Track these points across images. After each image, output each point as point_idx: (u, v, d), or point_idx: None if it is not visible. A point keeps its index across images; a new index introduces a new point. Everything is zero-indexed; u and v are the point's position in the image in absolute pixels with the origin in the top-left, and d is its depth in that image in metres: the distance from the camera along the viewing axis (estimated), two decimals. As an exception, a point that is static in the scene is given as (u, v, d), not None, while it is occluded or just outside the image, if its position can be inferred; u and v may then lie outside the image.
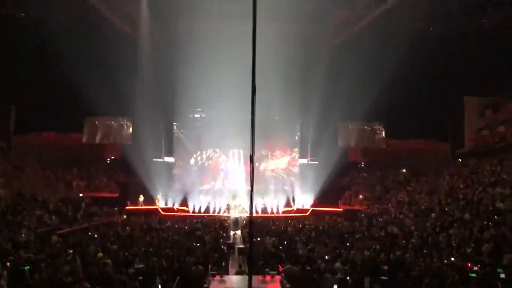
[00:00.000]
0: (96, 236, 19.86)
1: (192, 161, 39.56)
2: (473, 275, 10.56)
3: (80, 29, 31.74)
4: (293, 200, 36.27)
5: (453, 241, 16.36)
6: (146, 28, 35.06)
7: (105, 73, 30.12)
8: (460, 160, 34.58)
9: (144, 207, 34.02)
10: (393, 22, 33.97)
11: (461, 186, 25.41)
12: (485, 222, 17.33)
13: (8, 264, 11.18)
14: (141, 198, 34.19)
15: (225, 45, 32.71)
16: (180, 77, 34.26)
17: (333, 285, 10.04)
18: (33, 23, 31.33)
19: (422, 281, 10.33)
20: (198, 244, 17.89)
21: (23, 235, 17.89)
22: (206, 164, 39.60)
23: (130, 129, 38.80)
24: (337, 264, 12.83)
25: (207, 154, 39.60)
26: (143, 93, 34.53)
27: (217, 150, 39.40)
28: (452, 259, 13.76)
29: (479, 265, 12.17)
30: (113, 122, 38.94)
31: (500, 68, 30.72)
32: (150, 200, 35.00)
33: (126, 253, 14.43)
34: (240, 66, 32.37)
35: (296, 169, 39.66)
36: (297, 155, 39.84)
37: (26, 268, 10.98)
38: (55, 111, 33.85)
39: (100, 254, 13.44)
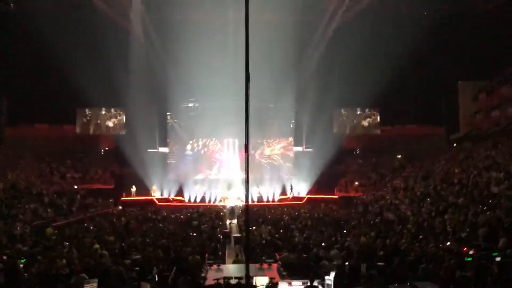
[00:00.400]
0: (92, 227, 19.82)
1: (186, 151, 39.44)
2: (469, 259, 10.59)
3: (71, 19, 31.48)
4: (291, 188, 36.22)
5: (448, 226, 16.42)
6: (138, 17, 34.74)
7: (97, 64, 29.89)
8: (455, 144, 34.71)
9: (138, 197, 33.96)
10: (386, 7, 33.90)
11: (456, 171, 25.49)
12: (480, 206, 17.40)
13: (4, 257, 11.11)
14: (133, 189, 34.14)
15: (218, 34, 32.53)
16: (173, 67, 34.07)
17: (329, 272, 10.06)
18: (24, 15, 30.99)
19: (418, 266, 10.36)
20: (195, 234, 17.89)
21: (18, 228, 17.81)
22: (201, 153, 39.50)
23: (124, 120, 38.57)
24: (334, 251, 12.86)
25: (202, 144, 39.48)
26: (136, 83, 34.27)
27: (212, 139, 39.28)
28: (448, 243, 13.82)
29: (474, 249, 12.22)
30: (106, 113, 38.68)
31: (494, 52, 30.74)
32: (145, 190, 34.94)
33: (123, 244, 14.40)
34: (234, 54, 32.48)
35: (291, 157, 39.65)
36: (292, 143, 39.80)
37: (22, 261, 10.93)
38: (47, 102, 33.66)
39: (97, 246, 13.41)
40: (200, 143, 39.37)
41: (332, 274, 9.64)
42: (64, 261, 10.94)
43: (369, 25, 32.19)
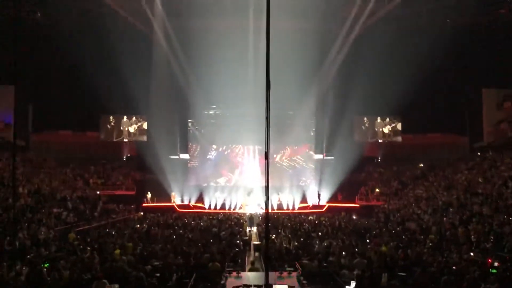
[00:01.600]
0: (113, 233, 20.03)
1: (207, 158, 39.65)
2: (494, 271, 10.36)
3: (95, 28, 32.11)
4: (319, 196, 36.03)
5: (472, 236, 16.11)
6: (161, 25, 35.25)
7: (120, 71, 30.35)
8: (478, 153, 34.08)
9: (159, 203, 34.23)
10: (408, 15, 33.62)
11: (480, 180, 25.03)
12: (505, 217, 17.04)
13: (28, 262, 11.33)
14: (149, 195, 34.44)
15: (239, 41, 32.71)
16: (194, 74, 34.42)
17: (350, 281, 9.95)
18: (49, 23, 31.73)
19: (440, 278, 10.17)
20: (214, 241, 17.90)
21: (42, 233, 18.12)
22: (221, 160, 39.64)
23: (145, 126, 39.01)
24: (355, 260, 12.73)
25: (222, 150, 39.65)
26: (158, 91, 34.76)
27: (232, 146, 39.42)
28: (472, 254, 13.54)
29: (499, 261, 11.95)
30: (128, 120, 39.19)
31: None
32: (166, 197, 35.22)
33: (143, 250, 14.51)
34: (254, 62, 32.62)
35: (311, 165, 39.46)
36: (313, 151, 39.63)
37: (46, 265, 11.11)
38: (71, 109, 34.31)
39: (117, 251, 13.54)
40: (221, 150, 39.52)
41: (353, 283, 9.54)
42: (85, 266, 11.09)
43: (390, 33, 32.01)
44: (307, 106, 36.57)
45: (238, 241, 18.39)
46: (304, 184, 38.31)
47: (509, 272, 9.91)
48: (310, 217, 28.51)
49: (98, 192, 32.42)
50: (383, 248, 14.68)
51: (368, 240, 17.96)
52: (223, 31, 33.14)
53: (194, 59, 33.69)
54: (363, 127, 40.08)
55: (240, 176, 38.51)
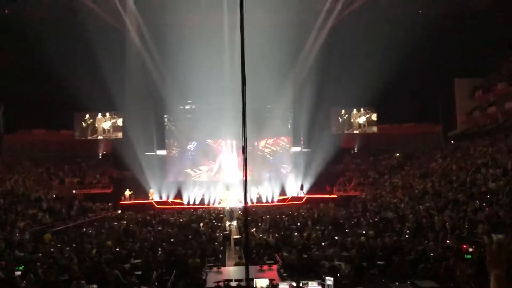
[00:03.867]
0: (91, 232, 19.77)
1: (184, 153, 39.42)
2: (469, 256, 10.60)
3: (67, 24, 31.40)
4: (302, 187, 36.27)
5: (447, 224, 16.44)
6: (134, 21, 34.71)
7: (94, 68, 29.84)
8: (452, 142, 34.77)
9: (137, 201, 33.92)
10: (381, 7, 33.94)
11: (454, 168, 25.53)
12: (478, 203, 17.43)
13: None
14: (127, 193, 34.10)
15: (214, 36, 32.49)
16: (169, 69, 34.06)
17: (329, 272, 10.05)
18: (19, 20, 30.92)
19: (418, 265, 10.35)
20: (194, 236, 17.84)
21: (17, 234, 17.75)
22: (199, 155, 39.46)
23: (121, 123, 38.48)
24: (333, 251, 12.85)
25: (199, 146, 39.47)
26: (133, 87, 34.30)
27: (209, 141, 39.27)
28: (448, 241, 13.82)
29: (474, 247, 12.22)
30: (103, 117, 38.59)
31: (490, 49, 30.81)
32: (144, 194, 34.92)
33: (122, 249, 14.36)
34: (230, 56, 32.48)
35: (289, 158, 39.64)
36: (290, 143, 39.81)
37: (20, 268, 10.88)
38: (45, 108, 33.56)
39: (94, 251, 13.37)
40: (198, 145, 39.35)
41: (332, 274, 9.63)
42: (62, 267, 10.91)
43: (364, 24, 32.28)
44: (284, 99, 36.62)
45: (218, 236, 18.39)
46: (285, 171, 38.51)
47: (483, 257, 10.12)
48: (289, 210, 28.65)
49: (74, 191, 31.91)
50: (361, 238, 14.86)
51: (347, 230, 18.16)
52: (197, 25, 32.88)
53: (169, 54, 33.35)
54: (339, 118, 40.37)
55: (219, 171, 38.43)
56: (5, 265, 10.96)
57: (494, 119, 32.16)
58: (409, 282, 8.58)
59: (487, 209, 16.18)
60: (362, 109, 39.88)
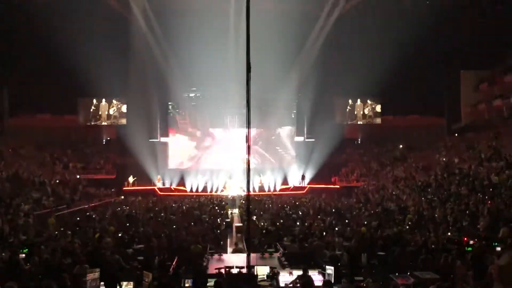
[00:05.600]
0: (94, 217, 19.91)
1: (188, 141, 39.48)
2: (469, 249, 10.64)
3: (73, 9, 31.25)
4: (303, 177, 36.32)
5: (449, 216, 16.48)
6: (140, 7, 34.59)
7: (99, 54, 29.77)
8: (456, 134, 34.67)
9: (140, 187, 34.09)
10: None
11: (457, 161, 25.51)
12: (480, 196, 17.44)
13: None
14: (131, 179, 34.25)
15: (220, 23, 32.34)
16: (174, 56, 33.98)
17: (330, 261, 10.11)
18: (25, 3, 30.78)
19: (419, 256, 10.40)
20: (196, 223, 17.95)
21: (21, 218, 17.89)
22: (202, 143, 39.53)
23: (125, 110, 38.50)
24: (335, 241, 12.91)
25: (203, 133, 39.52)
26: (137, 73, 34.26)
27: (213, 128, 39.29)
28: (449, 234, 13.87)
29: (475, 239, 12.26)
30: (107, 103, 38.61)
31: (496, 41, 30.54)
32: (147, 180, 35.07)
33: (125, 234, 14.47)
34: (235, 44, 32.28)
35: (292, 147, 39.65)
36: (294, 133, 39.79)
37: (24, 251, 11.00)
38: (49, 92, 33.57)
39: (97, 235, 13.47)
40: (201, 133, 39.43)
41: (333, 263, 9.69)
42: (66, 250, 11.02)
43: (370, 14, 32.05)
44: (288, 89, 36.54)
45: (220, 223, 18.50)
46: (290, 162, 38.57)
47: (483, 250, 10.17)
48: (292, 200, 28.76)
49: (78, 176, 32.08)
50: (362, 229, 14.92)
51: (347, 221, 18.22)
52: (203, 12, 32.73)
53: (174, 41, 33.18)
54: (343, 109, 40.30)
55: (221, 161, 38.40)
56: (9, 248, 11.10)
57: (499, 112, 32.02)
58: (409, 273, 8.62)
59: (489, 202, 16.20)
60: (367, 100, 39.78)
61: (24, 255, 10.60)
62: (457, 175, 22.40)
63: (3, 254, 10.46)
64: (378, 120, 40.16)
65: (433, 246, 11.43)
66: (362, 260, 10.50)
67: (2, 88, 34.40)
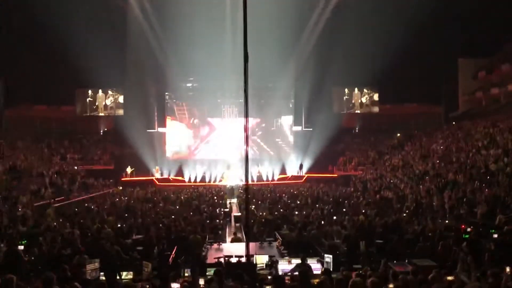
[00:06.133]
0: (92, 208, 19.94)
1: (185, 131, 39.46)
2: (466, 236, 10.69)
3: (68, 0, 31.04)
4: (301, 167, 36.37)
5: (446, 204, 16.54)
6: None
7: (95, 44, 29.62)
8: (453, 123, 34.71)
9: (138, 178, 34.12)
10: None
11: (454, 149, 25.55)
12: (478, 184, 17.51)
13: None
14: (129, 170, 34.27)
15: (217, 12, 32.19)
16: (171, 46, 33.81)
17: (328, 250, 10.17)
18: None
19: (416, 244, 10.46)
20: (195, 213, 18.00)
21: (19, 209, 17.91)
22: (200, 133, 39.53)
23: (122, 100, 38.39)
24: (333, 229, 12.98)
25: (201, 123, 39.50)
26: (134, 64, 34.13)
27: (211, 119, 39.26)
28: (446, 221, 13.93)
29: (472, 227, 12.33)
30: (104, 94, 38.48)
31: (494, 29, 30.49)
32: (145, 171, 35.10)
33: (124, 224, 14.52)
34: (232, 33, 32.10)
35: (290, 136, 39.67)
36: (292, 122, 39.78)
37: (23, 242, 11.02)
38: (46, 83, 33.45)
39: (97, 226, 13.51)
40: (199, 123, 39.42)
41: (331, 252, 9.75)
42: (65, 241, 11.05)
43: (368, 3, 31.86)
44: (286, 78, 36.48)
45: (218, 213, 18.55)
46: (287, 151, 38.60)
47: (480, 237, 10.24)
48: (290, 189, 28.83)
49: (76, 167, 32.07)
50: (360, 217, 14.99)
51: (345, 210, 18.29)
52: (200, 2, 32.54)
53: (171, 30, 33.03)
54: (341, 98, 40.26)
55: (219, 151, 38.38)
56: (8, 239, 11.11)
57: (496, 100, 32.05)
58: (406, 261, 8.68)
59: (486, 190, 16.26)
60: (364, 89, 39.74)
61: (23, 246, 10.62)
62: (455, 163, 22.46)
63: (2, 245, 10.48)
64: (376, 109, 40.16)
65: (430, 234, 11.49)
66: (360, 248, 10.56)
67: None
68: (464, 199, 16.13)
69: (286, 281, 6.86)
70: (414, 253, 9.82)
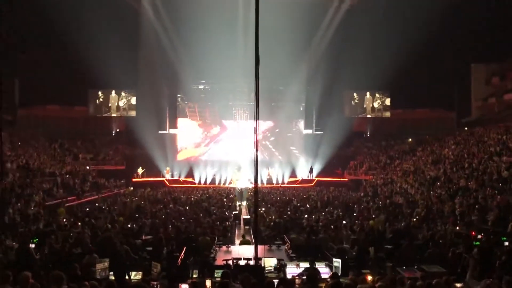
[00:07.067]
0: (103, 207, 20.09)
1: (196, 133, 39.62)
2: (477, 243, 10.59)
3: (82, 1, 31.36)
4: (311, 171, 36.29)
5: (457, 210, 16.40)
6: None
7: (108, 45, 29.87)
8: (466, 128, 34.40)
9: (149, 178, 34.31)
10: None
11: (466, 155, 25.34)
12: (490, 190, 17.34)
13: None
14: (140, 170, 34.47)
15: (229, 15, 32.30)
16: (183, 49, 34.01)
17: (337, 254, 10.13)
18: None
19: (426, 250, 10.39)
20: (204, 215, 18.04)
21: (32, 208, 18.11)
22: (211, 135, 39.64)
23: (134, 101, 38.67)
24: (342, 233, 12.93)
25: (212, 125, 39.62)
26: (147, 65, 34.37)
27: (222, 121, 39.36)
28: (457, 227, 13.81)
29: (483, 233, 12.21)
30: (117, 95, 38.79)
31: (508, 34, 30.16)
32: (156, 172, 35.28)
33: (134, 225, 14.61)
34: (244, 36, 32.14)
35: (301, 140, 39.60)
36: (302, 126, 39.73)
37: (34, 240, 11.14)
38: (59, 84, 33.80)
39: (108, 225, 13.61)
40: (210, 125, 39.56)
41: (340, 256, 9.72)
42: (76, 240, 11.15)
43: (380, 7, 31.75)
44: (297, 81, 36.47)
45: (227, 215, 18.58)
46: (297, 154, 38.53)
47: (491, 244, 10.14)
48: (300, 193, 28.78)
49: (87, 167, 32.34)
50: (371, 222, 14.92)
51: (355, 214, 18.21)
52: (212, 4, 32.66)
53: (183, 33, 33.25)
54: (352, 102, 40.12)
55: (229, 153, 38.42)
56: (20, 237, 11.24)
57: (510, 106, 31.71)
58: (416, 267, 8.63)
59: (498, 197, 16.09)
60: (376, 94, 39.54)
61: (34, 245, 10.73)
62: (467, 169, 22.27)
63: (14, 243, 10.61)
64: (388, 114, 39.93)
65: (440, 240, 11.40)
66: (369, 253, 10.51)
67: (13, 79, 34.65)
68: (476, 206, 15.99)
69: (296, 285, 6.87)
70: (423, 259, 9.75)
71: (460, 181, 20.69)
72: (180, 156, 38.91)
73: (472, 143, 27.76)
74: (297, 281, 7.12)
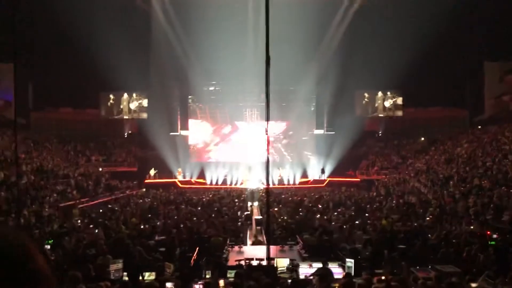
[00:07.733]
0: (116, 209, 20.24)
1: (208, 134, 39.74)
2: (492, 243, 10.49)
3: (93, 3, 31.60)
4: (323, 171, 36.20)
5: (471, 209, 16.24)
6: (160, 0, 34.80)
7: (120, 48, 30.10)
8: (479, 127, 34.06)
9: (161, 180, 34.48)
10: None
11: (480, 154, 25.09)
12: (504, 189, 17.14)
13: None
14: (152, 172, 34.66)
15: (239, 16, 32.37)
16: (194, 50, 34.15)
17: (350, 255, 10.10)
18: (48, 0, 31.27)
19: (440, 250, 10.31)
20: (216, 216, 18.09)
21: (46, 209, 18.32)
22: (222, 136, 39.73)
23: (146, 104, 38.92)
24: (355, 234, 12.89)
25: (223, 126, 39.71)
26: (158, 67, 34.57)
27: (233, 122, 39.42)
28: (471, 227, 13.69)
29: (498, 233, 12.08)
30: (128, 97, 39.06)
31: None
32: (168, 173, 35.45)
33: (146, 226, 14.71)
34: (255, 36, 32.18)
35: (312, 140, 39.48)
36: (314, 126, 39.60)
37: (50, 242, 11.28)
38: (72, 87, 34.15)
39: (122, 227, 13.73)
40: (221, 126, 39.64)
41: (353, 256, 9.68)
42: (89, 241, 11.26)
43: (392, 5, 31.57)
44: (308, 81, 36.34)
45: (239, 216, 18.61)
46: (309, 155, 38.42)
47: (507, 243, 10.04)
48: (312, 193, 28.72)
49: (100, 169, 32.62)
50: (383, 222, 14.85)
51: (367, 214, 18.13)
52: (223, 6, 32.75)
53: (194, 34, 33.37)
54: (363, 101, 39.90)
55: (240, 154, 38.41)
56: (35, 239, 11.39)
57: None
58: (430, 267, 8.57)
59: (513, 195, 15.91)
60: (388, 93, 39.27)
61: (49, 246, 10.86)
62: (480, 168, 22.04)
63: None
64: (400, 113, 39.63)
65: (454, 241, 11.31)
66: (383, 254, 10.46)
67: (27, 82, 35.09)
68: (491, 205, 15.82)
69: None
70: (437, 258, 9.68)
71: (473, 180, 20.48)
72: (192, 157, 38.99)
73: (486, 141, 27.48)
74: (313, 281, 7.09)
